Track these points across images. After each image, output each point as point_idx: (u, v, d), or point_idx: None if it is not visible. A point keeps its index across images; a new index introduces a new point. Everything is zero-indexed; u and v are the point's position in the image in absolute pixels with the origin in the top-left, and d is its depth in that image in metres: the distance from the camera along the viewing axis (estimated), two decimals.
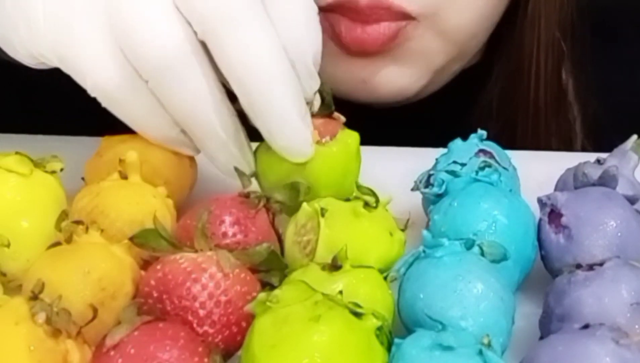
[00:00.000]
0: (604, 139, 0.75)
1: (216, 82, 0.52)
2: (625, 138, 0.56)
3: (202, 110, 0.51)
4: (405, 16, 0.68)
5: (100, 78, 0.52)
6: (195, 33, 0.50)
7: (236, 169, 0.53)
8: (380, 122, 0.74)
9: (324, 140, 0.54)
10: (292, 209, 0.52)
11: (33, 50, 0.53)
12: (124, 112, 0.53)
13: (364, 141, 0.68)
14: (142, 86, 0.51)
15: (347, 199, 0.52)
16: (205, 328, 0.45)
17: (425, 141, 0.65)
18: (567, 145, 0.78)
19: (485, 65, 0.79)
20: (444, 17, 0.69)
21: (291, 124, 0.52)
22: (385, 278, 0.48)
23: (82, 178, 0.57)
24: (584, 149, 0.78)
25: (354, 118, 0.73)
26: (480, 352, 0.42)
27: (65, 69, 0.53)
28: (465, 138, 0.57)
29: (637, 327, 0.43)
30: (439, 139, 0.61)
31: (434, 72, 0.73)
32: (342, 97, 0.71)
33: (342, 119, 0.56)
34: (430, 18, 0.69)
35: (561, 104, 0.77)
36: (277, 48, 0.50)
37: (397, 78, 0.72)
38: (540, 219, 0.52)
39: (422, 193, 0.55)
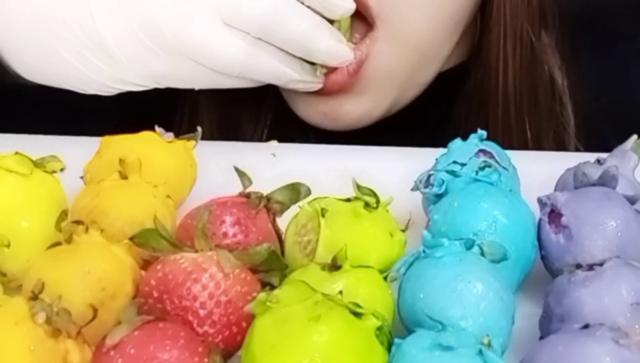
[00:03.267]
0: (596, 136, 0.75)
1: None
2: (618, 135, 0.56)
3: None
4: (364, 9, 0.68)
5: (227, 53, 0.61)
6: None
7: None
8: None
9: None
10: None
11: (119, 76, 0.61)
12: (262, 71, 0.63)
13: (357, 141, 0.68)
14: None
15: (348, 200, 0.52)
16: (206, 328, 0.45)
17: (414, 140, 0.65)
18: (545, 141, 0.77)
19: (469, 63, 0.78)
20: (399, 21, 0.69)
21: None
22: (385, 278, 0.48)
23: (81, 178, 0.57)
24: (576, 148, 0.77)
25: None
26: (480, 352, 0.42)
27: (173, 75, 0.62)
28: (451, 135, 0.57)
29: (637, 326, 0.43)
30: (428, 138, 0.61)
31: (399, 90, 0.73)
32: (309, 123, 0.72)
33: None
34: (386, 22, 0.68)
35: (538, 98, 0.76)
36: None
37: (358, 108, 0.71)
38: (540, 220, 0.52)
39: (422, 193, 0.55)
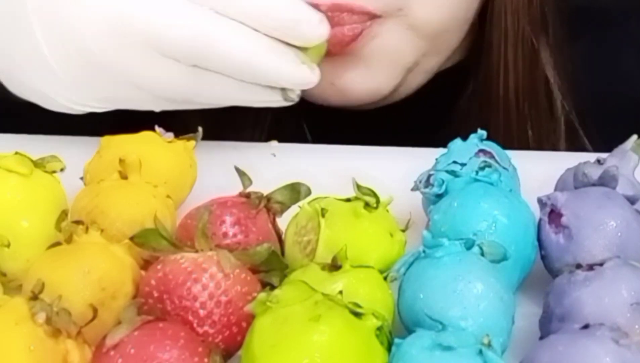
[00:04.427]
0: (597, 134, 0.75)
1: None
2: (617, 128, 0.56)
3: None
4: (370, 15, 0.67)
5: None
6: None
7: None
8: (363, 123, 0.74)
9: None
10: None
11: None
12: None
13: (357, 141, 0.68)
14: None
15: (348, 200, 0.52)
16: (206, 328, 0.45)
17: (414, 140, 0.65)
18: (545, 140, 0.77)
19: (469, 63, 0.78)
20: (409, 13, 0.68)
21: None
22: (385, 278, 0.48)
23: (81, 178, 0.57)
24: (577, 148, 0.77)
25: (338, 120, 0.73)
26: (480, 352, 0.42)
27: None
28: (452, 136, 0.57)
29: (637, 327, 0.43)
30: (428, 139, 0.61)
31: (406, 71, 0.72)
32: (316, 101, 0.71)
33: None
34: (395, 14, 0.68)
35: (539, 100, 0.76)
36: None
37: (366, 79, 0.70)
38: (540, 219, 0.52)
39: (422, 193, 0.55)
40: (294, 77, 0.60)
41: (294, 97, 0.62)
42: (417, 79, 0.74)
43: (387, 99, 0.73)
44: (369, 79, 0.70)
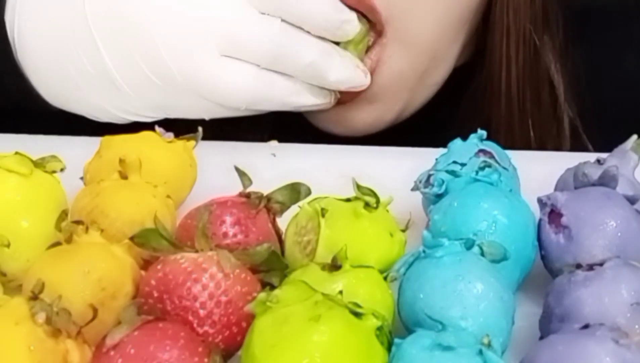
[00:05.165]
0: (598, 135, 0.75)
1: None
2: (620, 130, 0.56)
3: None
4: (376, 16, 0.67)
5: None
6: None
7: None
8: None
9: None
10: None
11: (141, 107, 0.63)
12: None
13: (357, 141, 0.68)
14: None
15: (348, 200, 0.52)
16: (206, 328, 0.45)
17: (415, 140, 0.65)
18: (548, 141, 0.77)
19: (471, 62, 0.78)
20: (408, 24, 0.68)
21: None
22: (385, 278, 0.48)
23: (81, 178, 0.57)
24: (579, 148, 0.77)
25: None
26: (480, 352, 0.42)
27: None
28: (453, 136, 0.57)
29: (637, 327, 0.43)
30: (429, 138, 0.61)
31: (410, 92, 0.72)
32: (321, 128, 0.72)
33: None
34: (394, 26, 0.68)
35: (541, 101, 0.76)
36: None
37: (372, 114, 0.71)
38: (540, 220, 0.52)
39: (422, 193, 0.55)
40: (352, 80, 0.66)
41: (333, 101, 0.68)
42: (422, 97, 0.74)
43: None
44: (374, 113, 0.71)
